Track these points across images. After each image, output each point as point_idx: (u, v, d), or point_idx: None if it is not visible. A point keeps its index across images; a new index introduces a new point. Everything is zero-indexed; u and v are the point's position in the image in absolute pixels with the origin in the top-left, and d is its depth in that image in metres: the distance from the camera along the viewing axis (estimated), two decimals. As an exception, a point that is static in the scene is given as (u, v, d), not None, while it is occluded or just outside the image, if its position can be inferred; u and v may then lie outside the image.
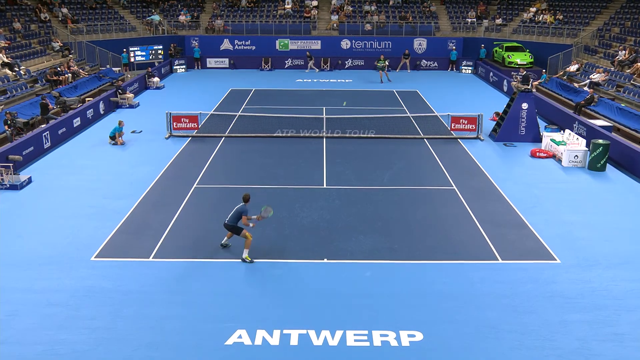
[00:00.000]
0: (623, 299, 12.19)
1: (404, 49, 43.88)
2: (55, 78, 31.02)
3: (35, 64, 33.35)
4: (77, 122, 25.23)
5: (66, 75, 31.99)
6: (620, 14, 39.27)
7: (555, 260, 13.86)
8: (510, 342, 10.67)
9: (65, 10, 41.53)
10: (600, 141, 20.49)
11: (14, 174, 18.55)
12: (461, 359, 10.24)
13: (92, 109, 27.10)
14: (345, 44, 44.59)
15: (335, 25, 45.85)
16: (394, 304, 11.96)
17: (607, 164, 20.62)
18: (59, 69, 32.21)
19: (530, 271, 13.32)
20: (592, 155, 20.48)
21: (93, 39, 40.47)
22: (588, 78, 32.53)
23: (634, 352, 10.43)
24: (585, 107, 28.28)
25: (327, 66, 43.45)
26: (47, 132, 22.46)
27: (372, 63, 43.27)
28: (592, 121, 24.40)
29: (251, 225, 13.66)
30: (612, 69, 32.55)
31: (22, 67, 30.86)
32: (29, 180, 18.71)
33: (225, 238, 14.37)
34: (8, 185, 18.06)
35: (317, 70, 42.84)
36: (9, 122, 22.82)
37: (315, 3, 47.92)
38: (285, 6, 47.22)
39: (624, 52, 32.93)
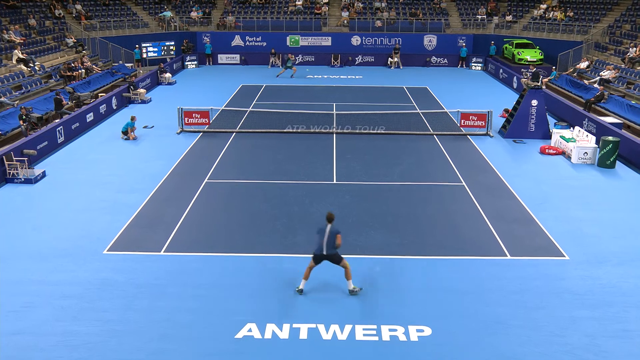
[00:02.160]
0: (632, 295, 12.11)
1: (414, 45, 43.79)
2: (69, 74, 31.20)
3: (50, 59, 33.55)
4: (90, 117, 25.35)
5: (80, 70, 32.16)
6: (632, 11, 38.90)
7: (564, 256, 13.79)
8: (519, 338, 10.64)
9: (79, 6, 41.72)
10: (610, 138, 20.35)
11: (29, 168, 18.70)
12: (470, 354, 10.23)
13: (105, 104, 27.21)
14: (355, 40, 44.51)
15: (345, 21, 45.76)
16: (403, 299, 11.95)
17: (617, 161, 20.47)
18: (72, 64, 32.38)
19: (539, 267, 13.27)
20: (602, 152, 20.35)
21: (106, 35, 40.63)
22: (598, 75, 32.30)
23: (642, 349, 10.38)
24: (595, 104, 28.10)
25: (338, 62, 43.38)
26: (61, 127, 22.59)
27: (383, 60, 43.21)
28: (602, 118, 24.24)
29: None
30: (623, 66, 32.28)
31: (37, 63, 31.03)
32: (43, 174, 18.83)
33: (303, 281, 12.12)
34: (23, 179, 18.19)
35: (281, 65, 42.10)
36: (24, 117, 22.97)
37: (326, 0, 47.82)
38: (296, 3, 47.16)
39: (634, 49, 32.64)
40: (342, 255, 12.11)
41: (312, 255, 12.05)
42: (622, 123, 24.58)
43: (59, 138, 22.29)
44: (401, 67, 42.71)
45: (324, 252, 11.83)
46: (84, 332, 10.67)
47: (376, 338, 10.64)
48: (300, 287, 12.13)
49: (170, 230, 15.02)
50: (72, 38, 37.13)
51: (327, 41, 44.47)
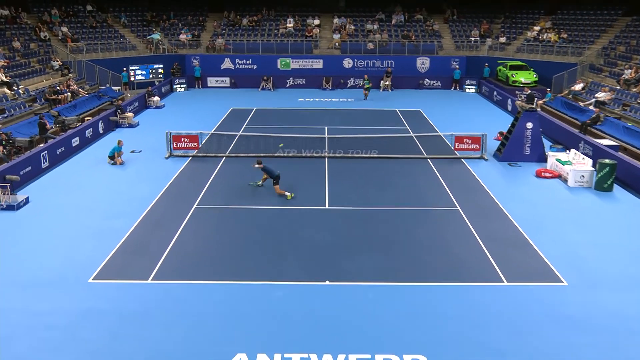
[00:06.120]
0: (634, 321, 12.11)
1: (407, 68, 44.19)
2: (54, 97, 31.19)
3: (34, 82, 33.56)
4: (75, 141, 25.33)
5: (65, 94, 32.17)
6: (626, 32, 39.50)
7: (562, 282, 13.80)
8: (516, 366, 10.60)
9: (65, 29, 41.91)
10: (607, 161, 20.51)
11: (11, 194, 18.57)
12: (467, 383, 10.17)
13: (91, 129, 27.22)
14: (347, 62, 44.88)
15: (337, 44, 46.18)
16: (397, 327, 11.91)
17: (615, 184, 20.60)
18: (58, 88, 32.40)
19: (536, 293, 13.27)
20: (599, 175, 20.49)
21: (93, 57, 40.76)
22: (593, 97, 32.62)
23: (643, 377, 10.36)
24: (591, 127, 28.35)
25: (329, 85, 43.68)
26: (46, 151, 22.53)
27: (375, 82, 43.44)
28: (598, 140, 24.45)
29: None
30: (618, 87, 32.65)
31: (21, 86, 31.03)
32: (27, 201, 18.73)
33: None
34: (5, 206, 18.08)
35: (272, 89, 43.09)
36: (3, 142, 22.83)
37: (317, 22, 48.33)
38: (287, 25, 47.60)
39: (629, 70, 33.06)
40: (333, 282, 12.11)
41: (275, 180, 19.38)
42: (619, 145, 24.78)
43: (44, 163, 22.23)
44: (389, 90, 42.88)
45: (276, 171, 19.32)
46: (67, 364, 10.55)
47: (370, 368, 10.59)
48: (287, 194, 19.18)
49: (158, 257, 14.94)
50: (57, 61, 37.23)
51: (318, 64, 44.82)
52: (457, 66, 44.30)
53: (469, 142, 24.96)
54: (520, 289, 13.50)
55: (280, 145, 23.00)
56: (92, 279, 13.78)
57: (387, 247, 15.72)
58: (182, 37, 46.32)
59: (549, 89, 37.72)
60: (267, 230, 16.89)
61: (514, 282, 13.80)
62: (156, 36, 45.27)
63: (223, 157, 24.37)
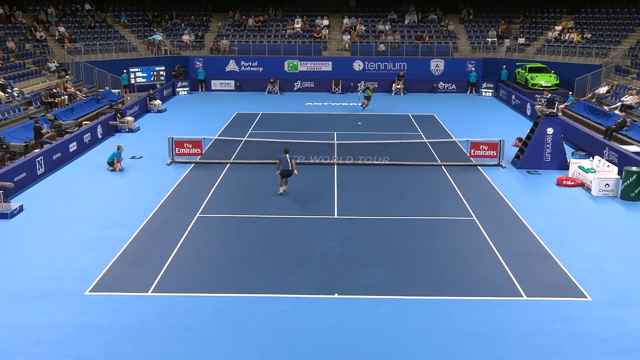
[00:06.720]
0: (661, 339, 12.01)
1: (420, 70, 44.23)
2: (50, 100, 31.36)
3: (30, 85, 33.78)
4: (73, 147, 25.44)
5: (62, 97, 32.34)
6: (654, 32, 39.35)
7: (586, 297, 13.71)
8: (537, 386, 10.53)
9: (62, 29, 42.20)
10: (634, 168, 20.40)
11: (4, 202, 18.62)
12: (484, 404, 10.11)
13: (89, 133, 27.34)
14: (357, 65, 44.94)
15: (347, 45, 46.26)
16: (410, 342, 11.86)
17: (641, 193, 20.51)
18: (54, 90, 32.58)
19: (558, 309, 13.18)
20: (625, 183, 20.39)
21: (91, 59, 41.00)
22: (619, 100, 32.48)
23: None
24: (617, 132, 28.23)
25: (339, 89, 43.72)
26: (41, 157, 22.63)
27: (386, 85, 43.52)
28: (624, 147, 24.32)
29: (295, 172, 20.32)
30: (646, 91, 32.52)
31: (16, 89, 31.22)
32: (20, 209, 18.80)
33: (282, 187, 20.45)
34: (-2, 214, 18.18)
35: (279, 93, 43.16)
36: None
37: (326, 22, 48.46)
38: (295, 26, 47.76)
39: (656, 73, 32.93)
40: (343, 295, 12.07)
41: (281, 173, 20.27)
42: (646, 152, 24.64)
43: (39, 169, 22.33)
44: (402, 94, 42.83)
45: (289, 169, 20.10)
46: (62, 381, 10.55)
47: (382, 387, 10.53)
48: (281, 191, 20.46)
49: (159, 268, 14.95)
50: (54, 62, 37.46)
51: (327, 66, 44.90)
52: (474, 69, 44.25)
53: (486, 148, 24.90)
54: (541, 303, 13.41)
55: (359, 123, 25.36)
56: (89, 292, 13.79)
57: (399, 259, 15.68)
58: (185, 38, 46.54)
59: (570, 93, 37.61)
60: (273, 240, 16.89)
61: (533, 296, 13.72)
62: (158, 37, 45.50)
63: (227, 163, 24.41)
